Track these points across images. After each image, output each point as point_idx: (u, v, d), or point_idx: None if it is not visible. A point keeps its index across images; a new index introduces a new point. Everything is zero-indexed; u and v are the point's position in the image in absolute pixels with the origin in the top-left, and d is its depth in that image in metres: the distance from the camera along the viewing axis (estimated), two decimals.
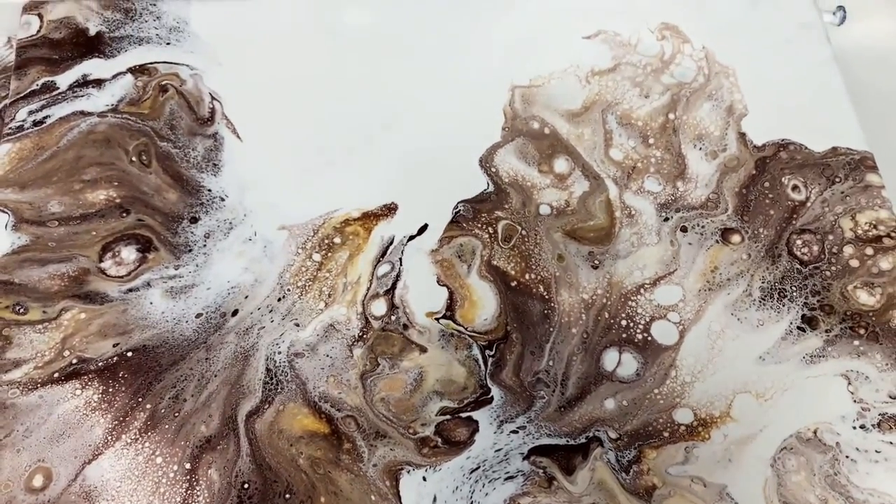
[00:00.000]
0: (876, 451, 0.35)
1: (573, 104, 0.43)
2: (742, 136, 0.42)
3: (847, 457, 0.35)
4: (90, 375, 0.35)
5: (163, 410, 0.35)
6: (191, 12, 0.44)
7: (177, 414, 0.34)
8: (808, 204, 0.40)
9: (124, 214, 0.39)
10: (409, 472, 0.34)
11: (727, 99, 0.43)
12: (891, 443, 0.35)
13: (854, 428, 0.35)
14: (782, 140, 0.42)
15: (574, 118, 0.42)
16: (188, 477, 0.33)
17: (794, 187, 0.41)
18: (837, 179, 0.41)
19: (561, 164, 0.41)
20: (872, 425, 0.35)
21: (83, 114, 0.41)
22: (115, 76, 0.42)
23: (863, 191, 0.41)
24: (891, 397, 0.36)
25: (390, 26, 0.44)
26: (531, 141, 0.42)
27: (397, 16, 0.45)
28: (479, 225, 0.39)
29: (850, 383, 0.36)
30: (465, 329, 0.37)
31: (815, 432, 0.35)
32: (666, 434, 0.35)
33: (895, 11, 0.50)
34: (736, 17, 0.46)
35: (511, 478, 0.34)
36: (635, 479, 0.34)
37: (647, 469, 0.34)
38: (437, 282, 0.38)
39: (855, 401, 0.36)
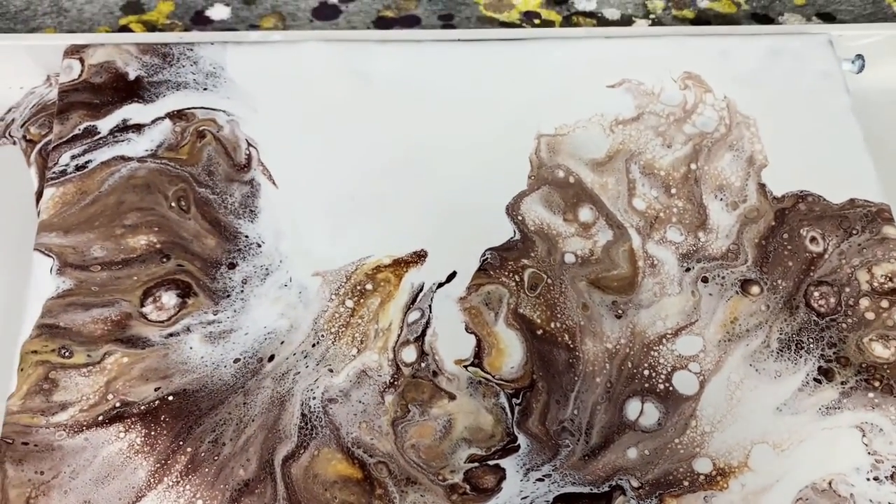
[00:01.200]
0: (889, 503, 0.36)
1: (598, 153, 0.44)
2: (762, 186, 0.43)
3: None
4: (133, 419, 0.37)
5: (203, 454, 0.36)
6: (226, 58, 0.46)
7: (216, 458, 0.36)
8: (826, 256, 0.41)
9: (164, 260, 0.40)
10: None
11: (748, 149, 0.44)
12: None
13: (868, 480, 0.36)
14: (801, 191, 0.43)
15: (598, 167, 0.44)
16: None
17: (812, 239, 0.42)
18: (854, 231, 0.42)
19: (585, 213, 0.42)
20: (886, 477, 0.36)
21: (124, 158, 0.42)
22: (153, 121, 0.44)
23: (879, 243, 0.42)
24: None
25: (418, 75, 0.46)
26: (556, 189, 0.43)
27: (425, 64, 0.46)
28: (506, 273, 0.40)
29: (864, 435, 0.37)
30: (493, 377, 0.38)
31: (829, 483, 0.36)
32: (686, 483, 0.36)
33: None
34: (757, 67, 0.47)
35: None
36: None
37: None
38: (466, 329, 0.39)
39: (869, 452, 0.37)
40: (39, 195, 0.45)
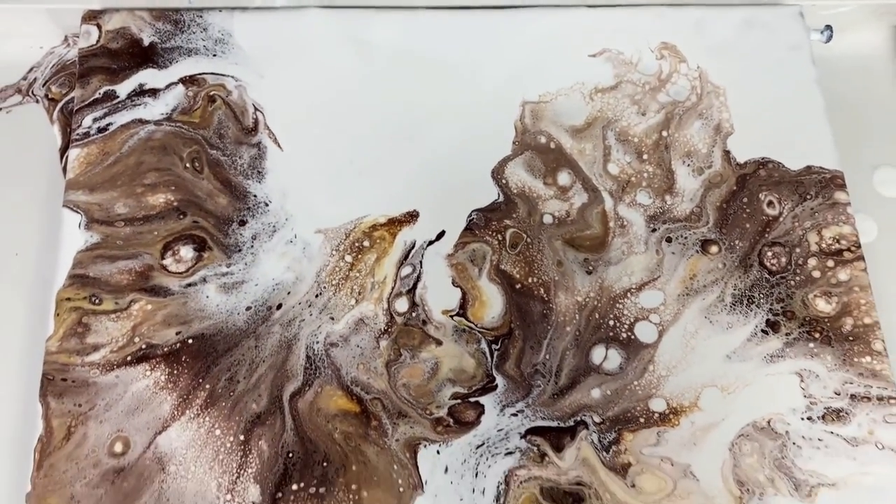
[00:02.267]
0: (818, 440, 0.41)
1: (577, 120, 0.48)
2: (727, 153, 0.47)
3: (794, 443, 0.41)
4: (157, 359, 0.42)
5: (220, 390, 0.41)
6: (234, 25, 0.49)
7: (231, 393, 0.41)
8: (781, 219, 0.46)
9: (181, 217, 0.44)
10: (425, 446, 0.41)
11: (716, 118, 0.48)
12: (831, 432, 0.41)
13: (802, 419, 0.42)
14: (762, 158, 0.47)
15: (577, 134, 0.47)
16: (242, 447, 0.40)
17: (770, 203, 0.46)
18: (809, 196, 0.46)
19: (564, 177, 0.46)
20: (818, 417, 0.42)
21: (141, 122, 0.46)
22: (168, 86, 0.47)
23: (830, 207, 0.46)
24: (836, 394, 0.42)
25: (413, 43, 0.49)
26: (538, 155, 0.47)
27: (419, 32, 0.49)
28: (490, 232, 0.45)
29: (802, 380, 0.42)
30: (475, 326, 0.43)
31: (768, 422, 0.41)
32: (642, 420, 0.41)
33: (881, 25, 0.54)
34: (730, 38, 0.50)
35: (510, 453, 0.41)
36: (614, 457, 0.41)
37: (624, 449, 0.41)
38: (452, 283, 0.44)
39: (805, 396, 0.42)
40: (63, 151, 0.49)
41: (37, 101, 0.51)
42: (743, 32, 0.50)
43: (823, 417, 0.41)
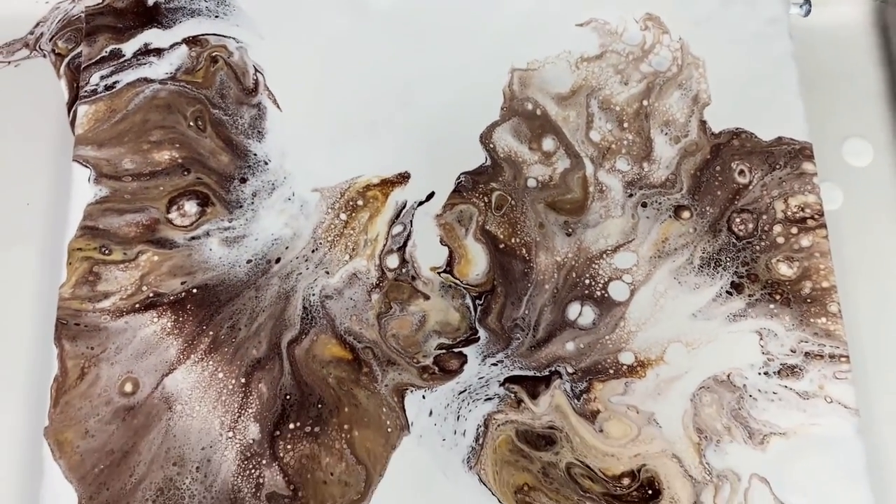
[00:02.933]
0: (773, 393, 0.45)
1: (563, 88, 0.50)
2: (703, 123, 0.50)
3: (750, 396, 0.45)
4: (164, 307, 0.45)
5: (222, 337, 0.44)
6: None
7: (233, 340, 0.44)
8: (750, 187, 0.48)
9: (185, 173, 0.47)
10: (412, 391, 0.44)
11: (695, 88, 0.50)
12: (785, 387, 0.45)
13: (759, 374, 0.45)
14: (736, 129, 0.50)
15: (562, 101, 0.50)
16: (243, 389, 0.44)
17: (741, 172, 0.49)
18: (778, 166, 0.49)
19: (548, 143, 0.49)
20: (773, 372, 0.45)
21: (147, 80, 0.48)
22: (171, 46, 0.49)
23: (798, 177, 0.49)
24: (791, 351, 0.45)
25: (409, 10, 0.51)
26: (524, 121, 0.49)
27: (415, 0, 0.51)
28: (477, 194, 0.48)
29: (761, 339, 0.46)
30: (461, 282, 0.46)
31: (728, 376, 0.45)
32: (611, 371, 0.45)
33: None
34: (712, 10, 0.52)
35: (489, 399, 0.44)
36: (584, 404, 0.44)
37: (594, 398, 0.44)
38: (440, 242, 0.47)
39: (763, 353, 0.45)
40: (70, 105, 0.52)
41: (44, 56, 0.53)
42: (724, 5, 0.52)
43: (779, 373, 0.45)
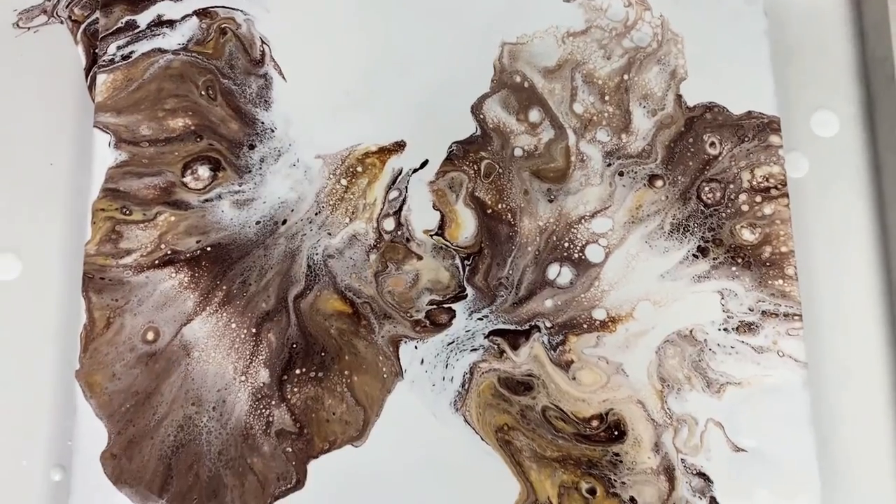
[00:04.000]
0: (731, 347, 0.50)
1: (549, 62, 0.53)
2: (679, 97, 0.53)
3: (710, 349, 0.50)
4: (181, 263, 0.49)
5: (234, 291, 0.49)
6: None
7: (244, 294, 0.49)
8: (720, 158, 0.52)
9: (198, 139, 0.51)
10: (405, 342, 0.49)
11: (672, 64, 0.54)
12: (742, 342, 0.50)
13: (719, 330, 0.50)
14: (710, 103, 0.53)
15: (549, 74, 0.53)
16: (254, 338, 0.48)
17: (712, 143, 0.53)
18: (746, 139, 0.53)
19: (534, 115, 0.53)
20: (732, 329, 0.50)
21: (160, 51, 0.52)
22: (183, 18, 0.52)
23: (764, 149, 0.53)
24: (749, 310, 0.50)
25: None
26: (513, 93, 0.53)
27: None
28: (467, 162, 0.52)
29: (722, 298, 0.50)
30: (451, 244, 0.50)
31: (690, 331, 0.50)
32: (585, 326, 0.50)
33: None
34: None
35: (475, 349, 0.49)
36: (559, 355, 0.49)
37: (568, 349, 0.49)
38: (433, 206, 0.51)
39: (724, 311, 0.50)
40: (87, 70, 0.55)
41: (61, 23, 0.56)
42: None
43: (737, 329, 0.50)
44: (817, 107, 0.58)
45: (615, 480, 0.48)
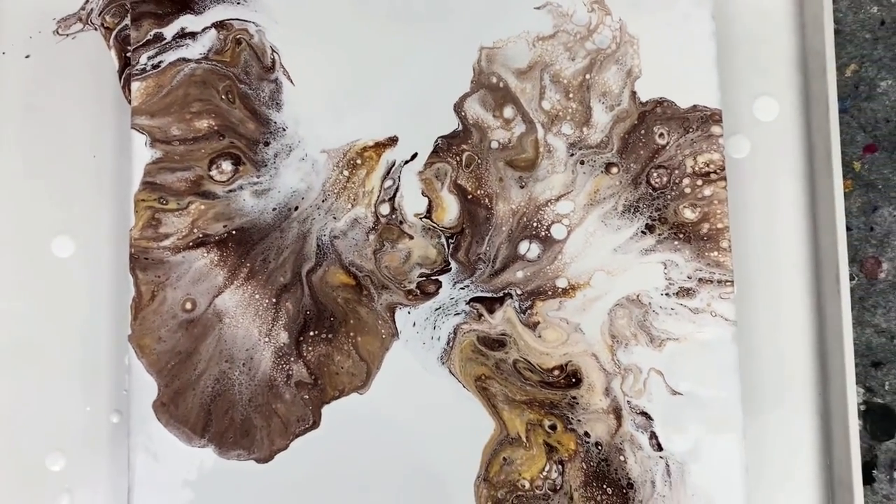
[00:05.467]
0: (671, 309, 0.59)
1: (522, 64, 0.61)
2: (634, 94, 0.61)
3: (653, 311, 0.59)
4: (211, 245, 0.59)
5: (257, 267, 0.59)
6: None
7: (265, 270, 0.59)
8: (667, 147, 0.61)
9: (221, 138, 0.59)
10: (400, 308, 0.59)
11: (629, 63, 0.62)
12: (681, 304, 0.59)
13: (661, 295, 0.59)
14: (660, 98, 0.61)
15: (521, 75, 0.61)
16: (274, 307, 0.58)
17: (661, 134, 0.61)
18: (691, 129, 0.61)
19: (508, 111, 0.61)
20: (673, 293, 0.60)
21: (185, 60, 0.60)
22: (203, 30, 0.60)
23: (706, 139, 0.61)
24: (688, 277, 0.60)
25: None
26: (490, 92, 0.61)
27: None
28: (451, 154, 0.60)
29: (665, 268, 0.60)
30: (438, 225, 0.60)
31: (637, 296, 0.59)
32: (549, 293, 0.59)
33: None
34: None
35: (458, 314, 0.59)
36: (528, 317, 0.59)
37: (535, 312, 0.59)
38: (422, 193, 0.60)
39: (666, 279, 0.60)
40: (120, 73, 0.63)
41: (95, 29, 0.64)
42: None
43: (677, 294, 0.60)
44: (760, 93, 0.66)
45: (572, 419, 0.58)
